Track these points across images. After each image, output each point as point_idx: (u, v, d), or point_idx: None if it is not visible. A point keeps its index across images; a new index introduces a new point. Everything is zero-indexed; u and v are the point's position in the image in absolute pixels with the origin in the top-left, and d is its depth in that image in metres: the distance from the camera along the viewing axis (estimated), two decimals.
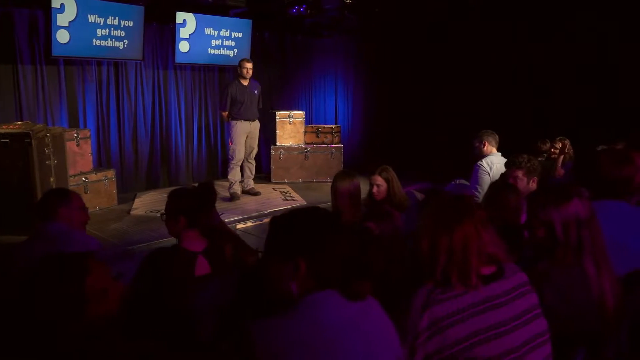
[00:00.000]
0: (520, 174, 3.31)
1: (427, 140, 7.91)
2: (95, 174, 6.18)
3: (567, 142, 5.14)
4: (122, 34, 6.63)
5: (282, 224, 1.35)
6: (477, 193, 4.16)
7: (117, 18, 6.51)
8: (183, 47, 7.34)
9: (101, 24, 6.39)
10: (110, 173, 6.38)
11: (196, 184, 2.60)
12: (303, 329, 1.21)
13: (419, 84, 8.05)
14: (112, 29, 6.52)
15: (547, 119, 6.46)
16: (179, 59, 7.36)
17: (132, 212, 6.13)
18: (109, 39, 6.52)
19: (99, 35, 6.40)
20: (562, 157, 5.05)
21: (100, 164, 6.80)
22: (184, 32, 7.28)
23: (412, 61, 8.10)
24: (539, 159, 5.18)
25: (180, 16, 7.16)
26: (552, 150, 5.20)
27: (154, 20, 7.16)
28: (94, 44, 6.38)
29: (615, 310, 1.81)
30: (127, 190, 7.05)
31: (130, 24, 6.68)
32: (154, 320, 2.02)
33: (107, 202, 6.29)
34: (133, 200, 6.69)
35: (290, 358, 1.19)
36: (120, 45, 6.66)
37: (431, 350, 1.46)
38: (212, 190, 2.55)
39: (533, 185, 3.31)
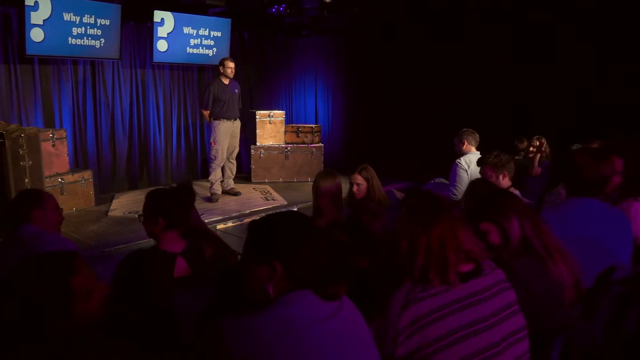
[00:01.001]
0: (488, 170, 3.36)
1: (406, 140, 7.96)
2: (72, 174, 6.08)
3: (544, 140, 5.23)
4: (99, 32, 6.53)
5: (260, 228, 1.40)
6: (455, 190, 4.21)
7: (93, 16, 6.41)
8: (161, 46, 7.26)
9: (77, 23, 6.29)
10: (88, 174, 6.29)
11: (175, 185, 2.56)
12: (274, 327, 1.24)
13: (399, 84, 8.10)
14: (88, 27, 6.42)
15: (525, 118, 6.56)
16: (157, 58, 7.28)
17: (109, 214, 6.04)
18: (85, 38, 6.42)
19: (75, 33, 6.30)
20: (539, 155, 5.14)
21: (77, 164, 6.70)
22: (162, 31, 7.21)
23: (392, 61, 8.14)
24: (516, 157, 5.27)
25: (158, 15, 7.09)
26: (530, 149, 5.28)
27: (131, 18, 7.07)
28: (70, 42, 6.27)
29: (575, 300, 1.86)
30: (105, 191, 6.95)
31: (107, 22, 6.58)
32: (133, 322, 1.99)
33: (84, 203, 6.19)
34: (111, 201, 6.59)
35: (262, 355, 1.21)
36: (97, 44, 6.56)
37: (412, 348, 1.47)
38: (191, 190, 2.52)
39: (505, 181, 3.35)
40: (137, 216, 2.50)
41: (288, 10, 7.02)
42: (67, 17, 6.17)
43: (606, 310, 2.06)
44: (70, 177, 6.02)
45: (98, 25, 6.50)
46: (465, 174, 4.20)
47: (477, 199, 2.30)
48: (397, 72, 8.08)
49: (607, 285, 2.12)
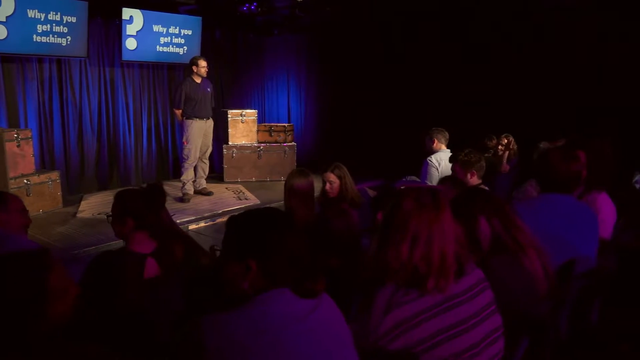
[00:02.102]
0: (457, 168, 3.42)
1: (378, 138, 8.03)
2: (38, 175, 5.93)
3: (512, 138, 5.36)
4: (65, 30, 6.38)
5: (234, 225, 1.39)
6: None
7: (59, 13, 6.27)
8: (130, 44, 7.15)
9: (42, 20, 6.13)
10: (55, 175, 6.14)
11: (145, 185, 2.53)
12: (251, 325, 1.23)
13: (370, 83, 8.16)
14: (54, 24, 6.26)
15: (493, 116, 6.70)
16: (125, 57, 7.16)
17: (78, 215, 5.92)
18: (51, 35, 6.26)
19: (40, 31, 6.14)
20: (507, 153, 5.25)
21: (44, 165, 6.54)
22: (130, 29, 7.09)
23: (364, 60, 8.20)
24: (486, 155, 5.37)
25: (126, 12, 6.97)
26: (499, 147, 5.40)
27: (99, 16, 6.94)
28: (35, 40, 6.12)
29: (548, 295, 1.89)
30: (73, 192, 6.81)
31: (73, 19, 6.43)
32: (104, 324, 1.97)
33: (51, 204, 6.05)
34: (79, 202, 6.46)
35: (238, 352, 1.21)
36: (63, 41, 6.41)
37: (394, 349, 1.46)
38: (161, 191, 2.49)
39: (473, 179, 3.41)
40: (105, 217, 2.46)
41: (259, 9, 7.00)
42: (31, 14, 6.02)
43: (571, 302, 2.13)
44: (36, 178, 5.87)
45: (64, 22, 6.35)
46: (436, 171, 4.27)
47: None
48: (368, 71, 8.15)
49: (570, 278, 2.20)
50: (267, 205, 5.68)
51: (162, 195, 2.49)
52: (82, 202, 6.46)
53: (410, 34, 7.52)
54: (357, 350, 1.41)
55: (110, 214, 2.32)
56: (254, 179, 7.88)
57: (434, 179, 4.24)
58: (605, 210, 2.85)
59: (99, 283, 2.12)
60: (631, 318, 2.58)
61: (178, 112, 6.52)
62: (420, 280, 1.48)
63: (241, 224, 1.38)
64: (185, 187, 6.58)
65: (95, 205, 6.34)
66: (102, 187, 7.24)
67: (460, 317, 1.50)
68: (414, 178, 4.85)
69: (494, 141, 5.54)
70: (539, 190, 2.76)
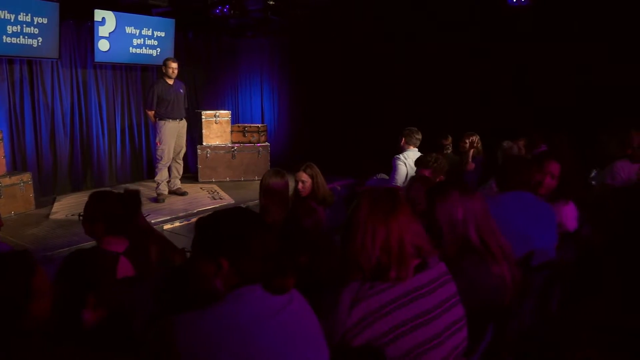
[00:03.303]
0: (427, 173, 3.59)
1: (350, 138, 8.20)
2: (10, 177, 5.89)
3: (476, 137, 5.54)
4: (36, 31, 6.34)
5: (205, 225, 1.41)
6: (393, 183, 4.46)
7: (29, 14, 6.21)
8: (103, 45, 7.13)
9: (12, 21, 6.08)
10: (27, 176, 6.10)
11: (122, 191, 2.49)
12: (222, 323, 1.25)
13: (342, 84, 8.31)
14: (25, 25, 6.21)
15: (455, 115, 6.92)
16: (98, 58, 7.14)
17: (51, 216, 5.89)
18: (21, 36, 6.21)
19: (10, 32, 6.09)
20: (471, 151, 5.44)
21: (15, 167, 6.47)
22: (103, 31, 7.07)
23: (335, 62, 8.34)
24: (445, 152, 5.58)
25: (98, 14, 6.95)
26: (462, 144, 5.58)
27: (71, 17, 6.90)
28: (4, 41, 6.05)
29: (514, 284, 1.98)
30: (46, 194, 6.75)
31: (45, 20, 6.39)
32: (78, 324, 1.97)
33: (23, 206, 6.01)
34: (52, 204, 6.42)
35: (210, 350, 1.22)
36: (34, 42, 6.36)
37: (361, 342, 1.49)
38: (138, 199, 2.46)
39: None
40: (77, 217, 2.42)
41: (232, 12, 7.06)
42: (1, 14, 5.96)
43: (533, 294, 2.25)
44: (7, 180, 5.83)
45: (35, 23, 6.31)
46: (403, 166, 4.44)
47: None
48: (339, 73, 8.29)
49: (532, 271, 2.34)
50: (239, 205, 5.77)
51: (138, 203, 2.47)
52: (55, 204, 6.42)
53: (380, 36, 7.70)
54: (327, 344, 1.45)
55: (82, 213, 2.30)
56: (228, 179, 7.94)
57: (401, 172, 4.41)
58: (567, 222, 3.01)
59: (71, 282, 2.11)
60: (589, 307, 2.74)
61: (151, 113, 6.55)
62: (383, 272, 1.53)
63: (211, 224, 1.40)
64: (160, 187, 6.61)
65: (69, 206, 6.32)
66: (76, 188, 7.19)
67: (423, 308, 1.55)
68: (384, 176, 5.00)
69: (449, 139, 5.75)
70: (497, 189, 2.93)
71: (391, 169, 4.62)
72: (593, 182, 4.77)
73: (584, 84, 6.04)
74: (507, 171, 2.76)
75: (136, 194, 2.47)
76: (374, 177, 5.09)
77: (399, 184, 4.35)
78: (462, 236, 1.99)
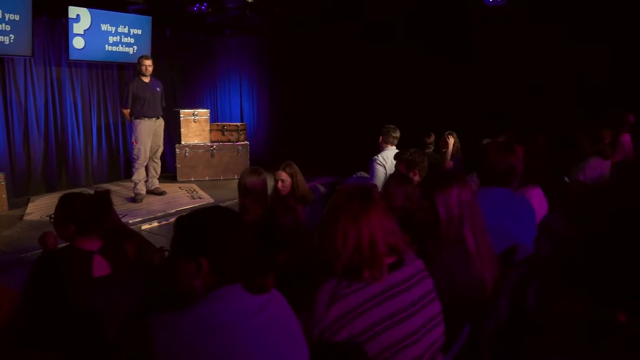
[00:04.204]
0: (402, 167, 3.61)
1: (330, 136, 8.21)
2: None
3: (455, 136, 5.60)
4: (8, 28, 6.19)
5: (184, 225, 1.40)
6: None
7: (0, 11, 6.07)
8: (77, 43, 7.00)
9: None
10: None
11: (92, 192, 2.47)
12: (202, 323, 1.24)
13: (322, 83, 8.32)
14: None
15: (436, 115, 6.99)
16: (73, 56, 7.01)
17: (25, 218, 5.77)
18: None
19: None
20: (450, 149, 5.50)
21: None
22: (77, 28, 6.95)
23: (315, 60, 8.35)
24: (427, 150, 5.62)
25: (73, 11, 6.83)
26: (441, 143, 5.64)
27: (44, 14, 6.76)
28: None
29: (493, 285, 2.01)
30: (19, 194, 6.61)
31: (17, 17, 6.25)
32: (52, 325, 1.95)
33: None
34: (26, 204, 6.29)
35: (190, 351, 1.21)
36: (6, 40, 6.21)
37: (339, 341, 1.50)
38: (108, 199, 2.44)
39: (415, 178, 3.61)
40: (48, 218, 2.41)
41: (210, 9, 7.01)
42: None
43: (509, 289, 2.30)
44: None
45: (7, 20, 6.16)
46: (381, 169, 4.45)
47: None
48: (319, 71, 8.30)
49: (510, 266, 2.37)
50: (219, 204, 5.74)
51: (108, 203, 2.45)
52: (30, 205, 6.29)
53: (360, 34, 7.73)
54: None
55: (53, 215, 2.29)
56: (207, 178, 7.88)
57: (380, 175, 4.42)
58: (536, 206, 3.08)
59: (45, 283, 2.08)
60: (563, 301, 2.80)
61: (126, 111, 6.47)
62: (356, 272, 1.54)
63: (190, 223, 1.39)
64: (137, 187, 6.53)
65: (43, 207, 6.19)
66: (50, 188, 7.06)
67: (400, 305, 1.56)
68: (363, 174, 5.01)
69: (432, 137, 5.80)
70: (479, 184, 2.96)
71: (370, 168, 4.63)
72: (566, 178, 4.86)
73: (562, 83, 6.16)
74: (490, 157, 2.78)
75: (106, 195, 2.45)
76: (354, 176, 5.10)
77: (378, 186, 4.36)
78: (456, 231, 2.00)
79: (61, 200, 2.30)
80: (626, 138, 5.36)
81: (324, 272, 1.57)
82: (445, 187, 2.04)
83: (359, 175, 5.06)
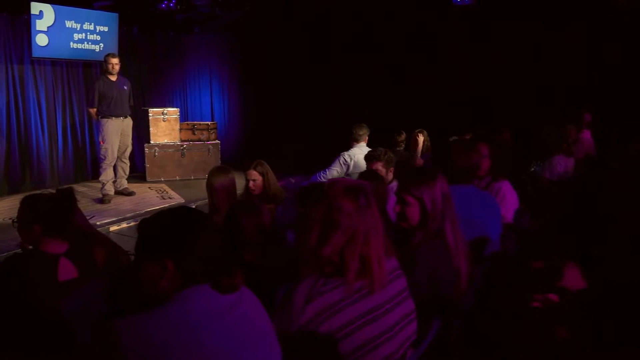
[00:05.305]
0: (380, 165, 3.66)
1: (301, 135, 8.21)
2: None
3: (425, 134, 5.68)
4: None
5: (148, 226, 1.38)
6: (324, 175, 4.52)
7: None
8: (41, 40, 6.81)
9: None
10: None
11: (54, 190, 2.42)
12: (170, 324, 1.23)
13: (292, 81, 8.31)
14: None
15: (408, 113, 7.07)
16: (36, 53, 6.82)
17: None
18: None
19: None
20: (420, 147, 5.57)
21: None
22: (40, 24, 6.76)
23: (285, 58, 8.33)
24: (398, 149, 5.68)
25: (35, 7, 6.63)
26: (411, 141, 5.70)
27: (5, 10, 6.56)
28: None
29: (467, 278, 2.06)
30: None
31: None
32: (19, 331, 1.90)
33: None
34: None
35: (157, 352, 1.20)
36: None
37: (317, 337, 1.51)
38: (72, 196, 2.39)
39: (390, 175, 3.69)
40: (11, 222, 2.35)
41: (178, 6, 6.92)
42: None
43: (478, 283, 2.34)
44: None
45: None
46: (340, 167, 4.52)
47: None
48: (290, 69, 8.29)
49: (479, 261, 2.42)
50: (190, 204, 5.67)
51: (73, 200, 2.41)
52: None
53: (330, 32, 7.74)
54: (280, 341, 1.45)
55: (16, 219, 2.24)
56: (177, 178, 7.79)
57: (335, 172, 4.50)
58: (509, 197, 3.13)
59: (9, 288, 2.03)
60: (529, 296, 2.86)
61: (93, 110, 6.34)
62: (337, 272, 1.54)
63: (154, 224, 1.38)
64: (105, 187, 6.40)
65: (5, 209, 6.00)
66: (14, 190, 6.84)
67: (375, 303, 1.57)
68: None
69: (403, 135, 5.87)
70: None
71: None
72: (533, 171, 5.00)
73: (528, 82, 6.32)
74: (453, 155, 2.83)
75: (69, 192, 2.40)
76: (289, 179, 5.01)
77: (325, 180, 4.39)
78: (438, 225, 2.03)
79: (23, 202, 2.26)
80: (587, 135, 5.54)
81: (301, 271, 1.57)
82: (430, 181, 2.07)
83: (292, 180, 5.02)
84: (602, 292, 1.75)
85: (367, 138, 4.73)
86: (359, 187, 1.65)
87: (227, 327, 1.30)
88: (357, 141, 4.66)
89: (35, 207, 2.21)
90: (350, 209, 1.57)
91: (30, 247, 2.28)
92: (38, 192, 2.65)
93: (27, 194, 2.50)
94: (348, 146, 4.75)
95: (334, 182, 1.70)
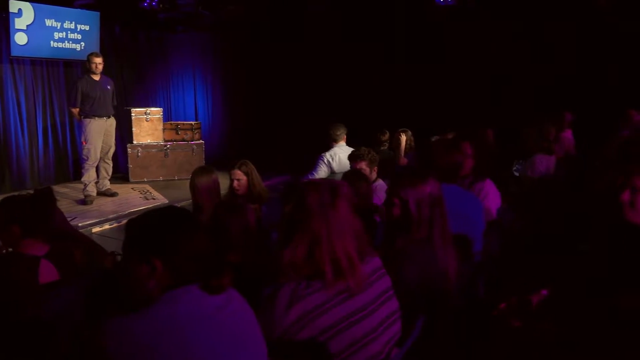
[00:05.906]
0: (364, 164, 3.68)
1: (286, 134, 8.20)
2: None
3: (409, 133, 5.69)
4: None
5: (136, 226, 1.38)
6: (310, 177, 4.53)
7: None
8: (20, 39, 6.70)
9: None
10: None
11: (32, 191, 2.38)
12: (158, 325, 1.23)
13: (276, 80, 8.29)
14: None
15: (392, 112, 7.11)
16: (15, 52, 6.71)
17: None
18: None
19: None
20: (404, 146, 5.59)
21: None
22: (20, 23, 6.64)
23: (269, 57, 8.31)
24: (382, 148, 5.70)
25: (14, 5, 6.52)
26: (395, 140, 5.71)
27: None
28: None
29: (455, 279, 2.05)
30: None
31: None
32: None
33: None
34: None
35: (145, 353, 1.19)
36: None
37: (300, 341, 1.50)
38: (50, 196, 2.36)
39: (374, 174, 3.70)
40: None
41: (161, 5, 6.85)
42: None
43: (463, 280, 2.37)
44: None
45: None
46: (325, 168, 4.52)
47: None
48: (273, 68, 8.27)
49: (464, 258, 2.44)
50: (174, 205, 5.61)
51: (51, 200, 2.38)
52: None
53: (313, 32, 7.74)
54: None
55: None
56: (161, 178, 7.71)
57: (321, 172, 4.50)
58: (492, 196, 3.16)
59: None
60: (512, 291, 2.89)
61: (75, 110, 6.25)
62: (318, 275, 1.53)
63: (142, 224, 1.37)
64: (87, 188, 6.31)
65: None
66: None
67: (359, 304, 1.56)
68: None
69: (387, 135, 5.89)
70: None
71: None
72: (516, 173, 5.06)
73: (511, 80, 6.39)
74: (436, 155, 2.85)
75: (48, 192, 2.37)
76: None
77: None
78: (426, 227, 2.01)
79: (0, 204, 2.21)
80: (568, 134, 5.62)
81: (282, 274, 1.55)
82: (418, 184, 2.05)
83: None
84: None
85: (345, 137, 4.73)
86: (325, 186, 1.63)
87: (215, 328, 1.29)
88: (336, 141, 4.66)
89: (13, 207, 2.18)
90: (311, 208, 1.55)
91: (10, 249, 2.24)
92: (16, 193, 2.61)
93: (6, 195, 2.46)
94: (328, 147, 4.75)
95: (307, 181, 1.69)
